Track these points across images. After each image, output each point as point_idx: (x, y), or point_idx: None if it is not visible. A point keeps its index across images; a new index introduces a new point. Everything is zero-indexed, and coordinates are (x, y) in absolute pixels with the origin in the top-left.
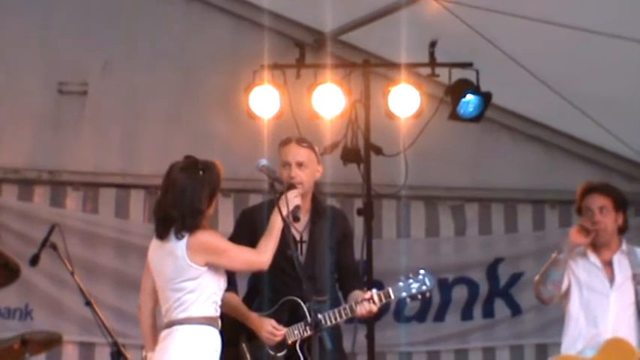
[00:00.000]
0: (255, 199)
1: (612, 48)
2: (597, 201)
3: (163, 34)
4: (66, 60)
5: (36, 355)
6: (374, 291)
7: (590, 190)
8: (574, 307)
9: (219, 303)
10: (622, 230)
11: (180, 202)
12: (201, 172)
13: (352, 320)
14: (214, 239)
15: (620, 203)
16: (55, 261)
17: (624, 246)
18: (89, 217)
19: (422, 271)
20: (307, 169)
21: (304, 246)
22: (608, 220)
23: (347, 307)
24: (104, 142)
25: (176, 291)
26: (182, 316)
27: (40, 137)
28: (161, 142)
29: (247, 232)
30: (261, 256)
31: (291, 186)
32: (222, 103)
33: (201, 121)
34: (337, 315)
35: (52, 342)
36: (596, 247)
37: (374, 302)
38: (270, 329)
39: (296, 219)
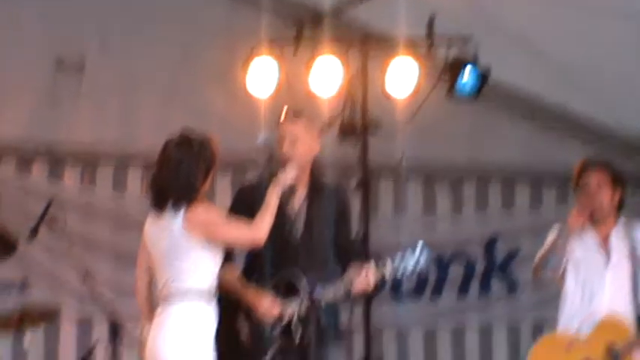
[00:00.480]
0: (252, 175)
1: (614, 25)
2: (594, 177)
3: (161, 10)
4: (64, 35)
5: (34, 327)
6: (371, 266)
7: (587, 166)
8: (570, 286)
9: (215, 278)
10: (619, 207)
11: (176, 177)
12: (196, 148)
13: (349, 297)
14: (210, 213)
15: (618, 179)
16: (53, 234)
17: (622, 222)
18: (87, 191)
19: (419, 245)
20: (303, 144)
21: (301, 221)
22: (604, 196)
23: (343, 283)
24: (102, 116)
25: (171, 266)
26: (178, 291)
27: (38, 111)
28: (159, 116)
29: (244, 209)
30: (257, 232)
31: (287, 162)
32: (220, 79)
33: (198, 96)
34: (334, 291)
35: (50, 315)
36: (593, 223)
37: (369, 278)
38: (267, 304)
39: (290, 194)
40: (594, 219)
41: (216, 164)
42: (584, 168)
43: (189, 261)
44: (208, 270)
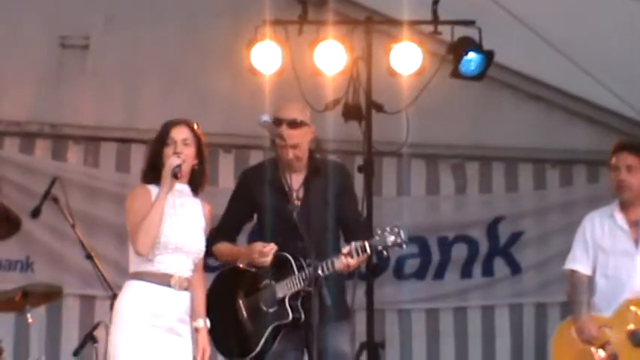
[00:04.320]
0: (256, 156)
1: (616, 7)
2: (626, 159)
3: None
4: (68, 14)
5: (36, 307)
6: (352, 244)
7: (620, 147)
8: (600, 278)
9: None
10: None
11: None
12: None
13: (352, 276)
14: (129, 200)
15: None
16: (56, 214)
17: None
18: (90, 171)
19: (398, 224)
20: (303, 147)
21: (300, 203)
22: (634, 178)
23: (328, 261)
24: (106, 96)
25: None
26: (129, 270)
27: (42, 91)
28: (163, 97)
29: (244, 194)
30: (134, 240)
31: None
32: (224, 59)
33: (202, 76)
34: (319, 269)
35: (52, 294)
36: (623, 205)
37: (351, 256)
38: (259, 249)
39: (175, 176)
40: (623, 200)
41: (161, 144)
42: (616, 149)
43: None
44: (132, 253)
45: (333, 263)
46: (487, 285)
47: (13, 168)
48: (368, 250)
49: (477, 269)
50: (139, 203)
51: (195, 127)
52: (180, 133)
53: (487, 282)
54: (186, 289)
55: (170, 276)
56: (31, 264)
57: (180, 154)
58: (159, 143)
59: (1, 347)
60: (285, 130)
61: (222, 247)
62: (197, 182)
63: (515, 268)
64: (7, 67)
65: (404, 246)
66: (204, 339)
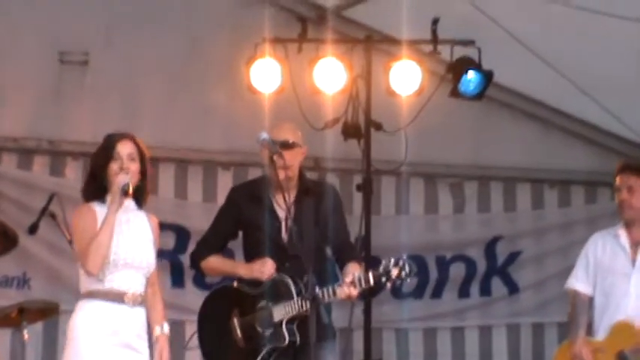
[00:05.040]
0: (254, 173)
1: (613, 27)
2: (627, 180)
3: (166, 6)
4: (67, 30)
5: (33, 323)
6: (355, 274)
7: (622, 168)
8: (598, 296)
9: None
10: None
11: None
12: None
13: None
14: (75, 219)
15: None
16: (53, 230)
17: None
18: None
19: (404, 257)
20: (294, 167)
21: (289, 224)
22: (634, 199)
23: (330, 289)
24: (104, 112)
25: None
26: (80, 290)
27: (41, 107)
28: (161, 113)
29: (230, 212)
30: (84, 260)
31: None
32: (224, 76)
33: (202, 93)
34: (321, 295)
35: (49, 311)
36: (627, 225)
37: (354, 286)
38: (258, 266)
39: (125, 193)
40: (625, 220)
41: (106, 159)
42: (620, 170)
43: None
44: (82, 272)
45: (334, 291)
46: (485, 305)
47: (11, 184)
48: (372, 281)
49: (475, 289)
50: (84, 223)
51: (138, 140)
52: (125, 148)
53: (485, 301)
54: (140, 304)
55: (123, 293)
56: (28, 280)
57: (128, 169)
58: (103, 158)
59: None
60: (278, 153)
61: (215, 262)
62: (141, 197)
63: (513, 288)
64: (5, 82)
65: (408, 280)
66: (163, 344)
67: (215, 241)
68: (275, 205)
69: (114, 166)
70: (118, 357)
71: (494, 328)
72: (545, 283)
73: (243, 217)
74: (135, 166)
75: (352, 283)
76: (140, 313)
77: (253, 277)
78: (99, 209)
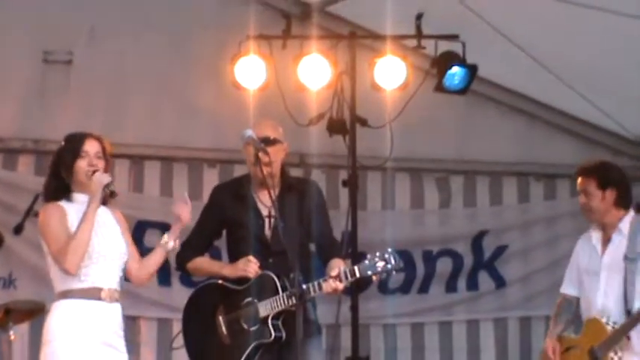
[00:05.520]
0: (240, 170)
1: (597, 22)
2: (580, 184)
3: (150, 4)
4: (51, 29)
5: (19, 324)
6: (341, 268)
7: (578, 172)
8: (581, 297)
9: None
10: (621, 204)
11: (46, 175)
12: (62, 143)
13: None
14: (43, 217)
15: (605, 180)
16: (38, 230)
17: (630, 218)
18: None
19: (389, 250)
20: (276, 163)
21: (272, 221)
22: (592, 201)
23: (315, 283)
24: (90, 110)
25: (48, 265)
26: (55, 290)
27: (25, 106)
28: (147, 112)
29: (214, 212)
30: (62, 259)
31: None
32: (209, 74)
33: (187, 91)
34: (307, 290)
35: (35, 311)
36: (600, 226)
37: (340, 280)
38: (242, 265)
39: (112, 194)
40: (591, 222)
41: (73, 157)
42: (576, 176)
43: (50, 261)
44: (59, 272)
45: (320, 285)
46: (472, 299)
47: None
48: (357, 274)
49: (462, 283)
50: (56, 222)
51: (103, 139)
52: (93, 146)
53: (472, 296)
54: (117, 300)
55: (100, 289)
56: (14, 280)
57: (97, 167)
58: (71, 156)
59: None
60: (260, 149)
61: (200, 263)
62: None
63: (500, 282)
64: None
65: (393, 272)
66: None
67: (199, 241)
68: (258, 202)
69: (81, 164)
70: (99, 355)
71: (481, 323)
72: (532, 276)
73: (226, 216)
74: (101, 164)
75: (338, 276)
76: (117, 309)
77: (238, 277)
78: (66, 207)
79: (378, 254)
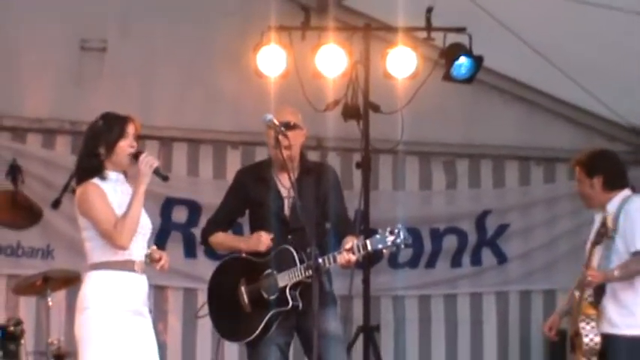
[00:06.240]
0: (261, 151)
1: (595, 17)
2: (577, 174)
3: None
4: (87, 18)
5: (56, 291)
6: (354, 242)
7: (573, 164)
8: None
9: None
10: (609, 188)
11: (80, 153)
12: (100, 122)
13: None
14: (86, 197)
15: (591, 169)
16: (74, 205)
17: (619, 199)
18: None
19: (399, 226)
20: (296, 147)
21: (291, 201)
22: (583, 188)
23: (330, 256)
24: (121, 96)
25: (82, 238)
26: (88, 262)
27: (63, 90)
28: (176, 96)
29: (238, 192)
30: (118, 237)
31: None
32: (232, 62)
33: (212, 78)
34: (323, 261)
35: (71, 279)
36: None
37: (353, 252)
38: (254, 240)
39: (164, 178)
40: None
41: (118, 136)
42: (571, 167)
43: (87, 235)
44: (96, 245)
45: (335, 257)
46: (475, 274)
47: (36, 162)
48: (369, 247)
49: (466, 259)
50: (102, 201)
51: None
52: (132, 128)
53: (475, 271)
54: (144, 272)
55: (134, 262)
56: (52, 251)
57: (137, 147)
58: (116, 135)
59: (23, 328)
60: (281, 133)
61: (221, 237)
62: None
63: (502, 258)
64: (30, 67)
65: (402, 246)
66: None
67: (223, 218)
68: (278, 184)
69: (123, 144)
70: (132, 323)
71: (484, 296)
72: (532, 253)
73: (249, 196)
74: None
75: (351, 249)
76: (145, 280)
77: (251, 249)
78: (103, 185)
79: (388, 229)
